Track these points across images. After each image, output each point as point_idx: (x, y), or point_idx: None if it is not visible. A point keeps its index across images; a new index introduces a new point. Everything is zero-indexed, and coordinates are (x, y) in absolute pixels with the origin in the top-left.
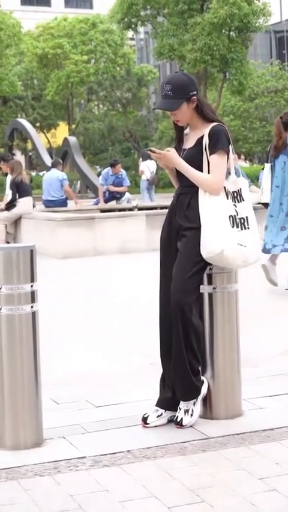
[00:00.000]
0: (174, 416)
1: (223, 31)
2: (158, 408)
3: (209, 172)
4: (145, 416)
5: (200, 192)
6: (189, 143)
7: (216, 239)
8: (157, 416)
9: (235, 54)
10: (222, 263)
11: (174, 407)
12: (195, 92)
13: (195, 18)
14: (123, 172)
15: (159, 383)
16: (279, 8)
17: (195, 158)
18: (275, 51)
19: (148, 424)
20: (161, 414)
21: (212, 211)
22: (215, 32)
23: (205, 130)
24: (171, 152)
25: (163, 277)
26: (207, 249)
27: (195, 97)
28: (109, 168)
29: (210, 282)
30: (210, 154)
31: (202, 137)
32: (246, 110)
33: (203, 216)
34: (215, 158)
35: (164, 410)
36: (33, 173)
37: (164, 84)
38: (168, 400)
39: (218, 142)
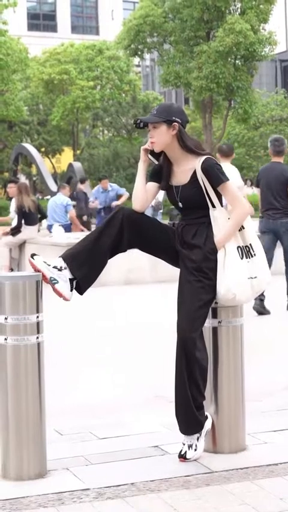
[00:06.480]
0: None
1: (229, 59)
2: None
3: (220, 202)
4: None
5: (215, 229)
6: (180, 179)
7: (227, 284)
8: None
9: (240, 83)
10: (235, 304)
11: None
12: (179, 121)
13: (201, 46)
14: (113, 185)
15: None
16: (285, 37)
17: (193, 194)
18: (280, 80)
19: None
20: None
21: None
22: (221, 60)
23: (195, 165)
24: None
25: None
26: (219, 294)
27: (177, 124)
28: (99, 185)
29: (215, 316)
30: (216, 187)
31: (194, 172)
32: (250, 138)
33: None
34: (226, 192)
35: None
36: (37, 196)
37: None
38: None
39: (219, 176)
